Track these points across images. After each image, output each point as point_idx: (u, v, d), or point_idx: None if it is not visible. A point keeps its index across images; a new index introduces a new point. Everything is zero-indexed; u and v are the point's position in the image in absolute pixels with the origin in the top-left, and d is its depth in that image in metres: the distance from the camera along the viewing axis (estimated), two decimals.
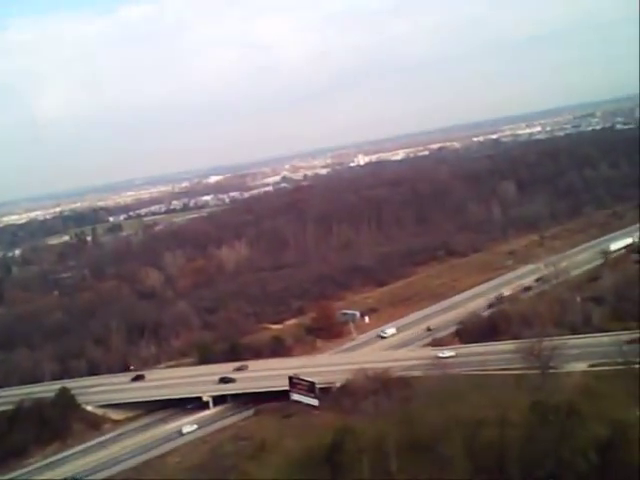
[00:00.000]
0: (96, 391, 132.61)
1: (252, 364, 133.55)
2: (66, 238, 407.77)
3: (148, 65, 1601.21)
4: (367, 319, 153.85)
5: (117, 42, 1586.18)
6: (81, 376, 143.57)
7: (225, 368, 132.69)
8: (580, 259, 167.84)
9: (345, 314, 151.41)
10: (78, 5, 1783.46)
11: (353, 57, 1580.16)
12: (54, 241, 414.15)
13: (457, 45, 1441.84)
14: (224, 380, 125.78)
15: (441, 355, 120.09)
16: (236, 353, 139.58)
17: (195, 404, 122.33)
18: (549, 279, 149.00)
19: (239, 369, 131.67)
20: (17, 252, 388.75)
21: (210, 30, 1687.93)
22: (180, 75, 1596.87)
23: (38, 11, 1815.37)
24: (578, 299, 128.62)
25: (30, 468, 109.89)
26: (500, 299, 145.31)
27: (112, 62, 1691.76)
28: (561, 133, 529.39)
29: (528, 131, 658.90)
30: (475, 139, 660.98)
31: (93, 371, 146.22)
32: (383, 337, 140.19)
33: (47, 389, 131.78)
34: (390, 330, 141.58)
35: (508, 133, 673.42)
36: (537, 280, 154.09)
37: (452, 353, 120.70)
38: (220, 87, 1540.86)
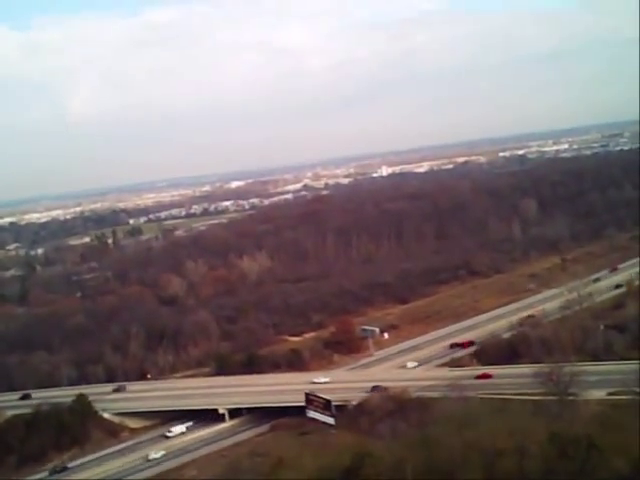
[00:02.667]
0: (113, 398, 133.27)
1: (270, 377, 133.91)
2: (87, 239, 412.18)
3: (172, 68, 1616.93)
4: (386, 335, 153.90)
5: (141, 44, 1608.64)
6: (98, 382, 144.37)
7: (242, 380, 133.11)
8: (603, 285, 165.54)
9: (365, 330, 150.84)
10: (101, 6, 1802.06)
11: (379, 66, 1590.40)
12: (75, 241, 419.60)
13: (485, 58, 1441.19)
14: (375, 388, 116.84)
15: (316, 381, 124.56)
16: (253, 364, 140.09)
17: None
18: (572, 305, 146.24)
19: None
20: (39, 251, 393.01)
21: (235, 35, 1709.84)
22: (204, 79, 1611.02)
23: (60, 11, 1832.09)
24: (601, 326, 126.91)
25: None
26: (521, 322, 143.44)
27: (136, 64, 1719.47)
28: (588, 152, 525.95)
29: (555, 148, 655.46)
30: (501, 154, 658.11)
31: (110, 377, 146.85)
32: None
33: (64, 394, 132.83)
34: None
35: (534, 149, 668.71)
36: (560, 305, 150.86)
37: (327, 379, 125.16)
38: (244, 92, 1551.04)
